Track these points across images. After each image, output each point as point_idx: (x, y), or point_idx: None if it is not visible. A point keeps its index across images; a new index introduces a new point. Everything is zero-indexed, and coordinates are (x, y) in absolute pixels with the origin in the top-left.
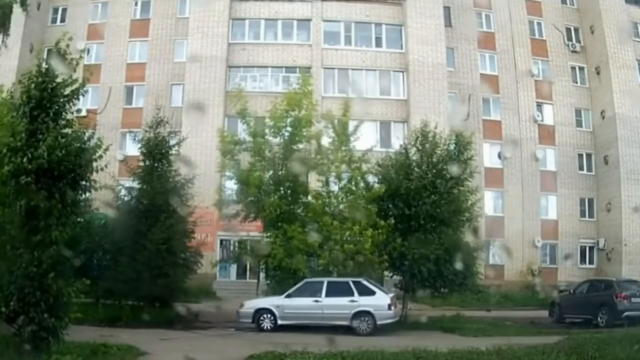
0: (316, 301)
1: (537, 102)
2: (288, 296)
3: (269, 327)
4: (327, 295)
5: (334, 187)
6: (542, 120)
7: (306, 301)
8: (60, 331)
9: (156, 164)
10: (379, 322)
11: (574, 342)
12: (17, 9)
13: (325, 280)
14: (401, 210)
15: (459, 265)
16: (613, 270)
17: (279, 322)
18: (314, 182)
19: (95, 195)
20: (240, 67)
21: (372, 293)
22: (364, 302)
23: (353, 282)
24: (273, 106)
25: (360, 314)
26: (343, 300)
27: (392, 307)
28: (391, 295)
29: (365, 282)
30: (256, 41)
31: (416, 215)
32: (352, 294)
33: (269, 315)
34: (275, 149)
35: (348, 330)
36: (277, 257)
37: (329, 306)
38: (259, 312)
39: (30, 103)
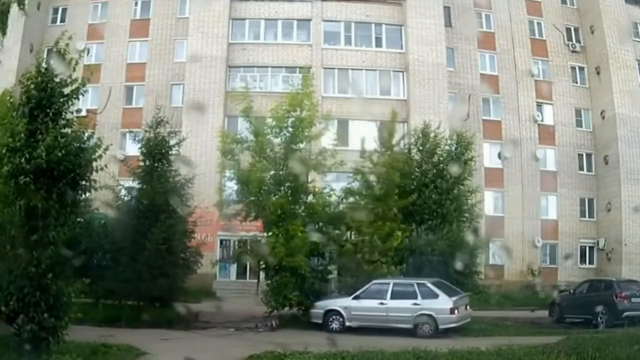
0: (381, 303)
1: (537, 102)
2: (356, 297)
3: (337, 329)
4: (392, 297)
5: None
6: (542, 120)
7: (372, 303)
8: (60, 331)
9: (156, 164)
10: (440, 326)
11: (574, 342)
12: (15, 9)
13: (391, 282)
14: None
15: (459, 265)
16: (613, 270)
17: (347, 323)
18: (319, 181)
19: (95, 195)
20: (240, 67)
21: (435, 296)
22: (426, 306)
23: (417, 284)
24: (275, 106)
25: (422, 317)
26: (406, 303)
27: (455, 311)
28: (455, 299)
29: (429, 285)
30: (256, 41)
31: (420, 211)
32: (415, 297)
33: (337, 317)
34: (276, 149)
35: (411, 333)
36: (278, 256)
37: (393, 309)
38: (329, 313)
39: (30, 103)
